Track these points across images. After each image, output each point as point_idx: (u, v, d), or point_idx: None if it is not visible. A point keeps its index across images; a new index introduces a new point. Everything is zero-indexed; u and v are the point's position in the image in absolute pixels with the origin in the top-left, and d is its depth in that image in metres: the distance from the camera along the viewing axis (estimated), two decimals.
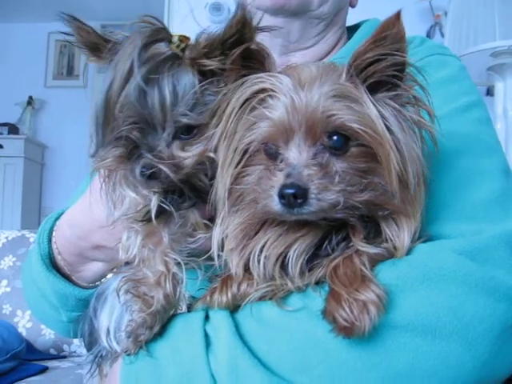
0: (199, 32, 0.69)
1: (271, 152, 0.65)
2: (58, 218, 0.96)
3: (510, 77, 2.13)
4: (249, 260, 0.67)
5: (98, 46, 0.71)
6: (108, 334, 0.81)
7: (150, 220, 0.71)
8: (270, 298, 0.67)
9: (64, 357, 2.31)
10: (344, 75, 0.63)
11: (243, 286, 0.68)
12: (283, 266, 0.66)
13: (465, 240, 0.67)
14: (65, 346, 2.32)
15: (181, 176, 0.68)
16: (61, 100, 5.84)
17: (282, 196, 0.60)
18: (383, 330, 0.61)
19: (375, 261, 0.65)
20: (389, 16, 0.60)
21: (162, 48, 0.66)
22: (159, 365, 0.68)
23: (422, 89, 0.65)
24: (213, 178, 0.70)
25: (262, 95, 0.65)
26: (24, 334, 2.22)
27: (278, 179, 0.61)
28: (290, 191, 0.59)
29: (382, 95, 0.63)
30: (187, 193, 0.70)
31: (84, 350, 0.91)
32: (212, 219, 0.73)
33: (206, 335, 0.67)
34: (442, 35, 2.89)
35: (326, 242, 0.65)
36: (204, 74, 0.69)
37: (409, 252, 0.66)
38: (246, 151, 0.67)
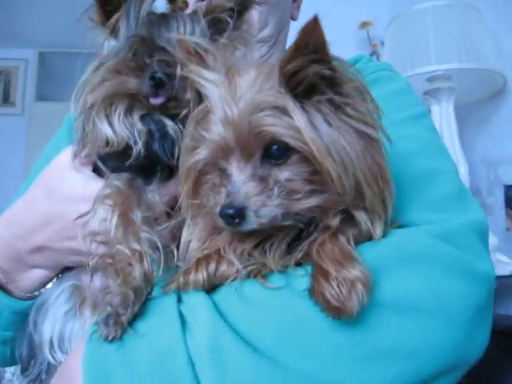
0: None
1: (220, 167, 0.66)
2: None
3: (446, 100, 2.21)
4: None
5: None
6: (52, 345, 0.77)
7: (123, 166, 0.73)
8: (255, 276, 0.66)
9: None
10: (278, 82, 0.63)
11: (223, 267, 0.67)
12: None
13: (436, 226, 0.71)
14: None
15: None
16: None
17: (221, 216, 0.62)
18: (367, 309, 0.60)
19: (358, 241, 0.66)
20: (307, 21, 0.58)
21: None
22: (129, 349, 0.62)
23: (359, 88, 0.66)
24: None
25: (203, 107, 0.67)
26: None
27: (221, 197, 0.63)
28: (227, 212, 0.61)
29: (316, 99, 0.63)
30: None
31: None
32: (173, 208, 0.74)
33: (181, 315, 0.64)
34: None
35: (305, 231, 0.66)
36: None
37: (385, 235, 0.67)
38: (193, 170, 0.69)
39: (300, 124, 0.61)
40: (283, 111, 0.61)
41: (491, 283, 0.68)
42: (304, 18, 1.24)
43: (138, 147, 0.71)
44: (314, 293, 0.60)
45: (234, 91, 0.64)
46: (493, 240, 1.92)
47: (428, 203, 0.76)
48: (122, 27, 0.72)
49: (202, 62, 0.68)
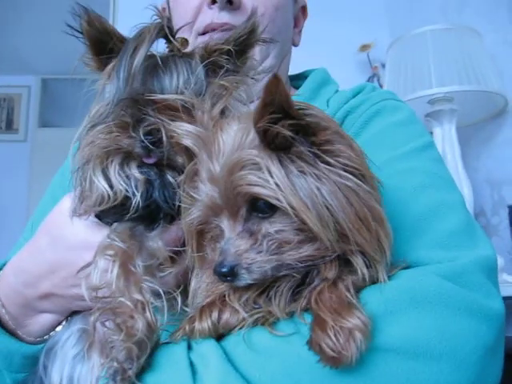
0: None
1: (214, 222, 0.68)
2: (0, 269, 0.89)
3: (447, 122, 2.22)
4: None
5: (105, 39, 0.75)
6: None
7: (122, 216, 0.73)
8: (261, 324, 0.66)
9: None
10: (252, 143, 0.63)
11: (225, 315, 0.66)
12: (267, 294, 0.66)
13: (444, 265, 0.70)
14: None
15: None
16: None
17: (215, 273, 0.63)
18: (376, 355, 0.60)
19: (361, 286, 0.65)
20: (269, 79, 0.58)
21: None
22: None
23: (339, 133, 0.65)
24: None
25: (193, 167, 0.68)
26: None
27: (216, 254, 0.65)
28: (220, 270, 0.62)
29: (294, 150, 0.62)
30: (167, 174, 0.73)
31: None
32: (177, 253, 0.74)
33: (191, 364, 0.64)
34: (380, 86, 3.01)
35: (309, 277, 0.65)
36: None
37: (393, 277, 0.67)
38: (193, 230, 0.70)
39: (277, 180, 0.60)
40: (261, 168, 0.61)
41: (500, 320, 0.68)
42: (304, 43, 1.26)
43: (137, 199, 0.71)
44: (311, 343, 0.60)
45: (217, 148, 0.64)
46: (498, 261, 1.91)
47: (436, 240, 0.75)
48: (112, 86, 0.72)
49: (191, 117, 0.69)
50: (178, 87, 0.72)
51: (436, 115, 2.23)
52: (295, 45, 1.24)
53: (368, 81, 3.13)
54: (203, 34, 1.06)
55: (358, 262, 0.64)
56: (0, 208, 5.63)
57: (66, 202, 0.80)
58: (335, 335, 0.57)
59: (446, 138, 2.23)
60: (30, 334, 0.86)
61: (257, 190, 0.61)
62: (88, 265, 0.72)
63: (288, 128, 0.60)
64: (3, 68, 5.53)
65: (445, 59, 2.17)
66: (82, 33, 0.74)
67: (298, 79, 1.21)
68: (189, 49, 0.80)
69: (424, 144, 0.91)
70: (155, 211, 0.73)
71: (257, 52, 1.03)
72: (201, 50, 0.78)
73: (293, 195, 0.60)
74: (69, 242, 0.77)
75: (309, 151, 0.62)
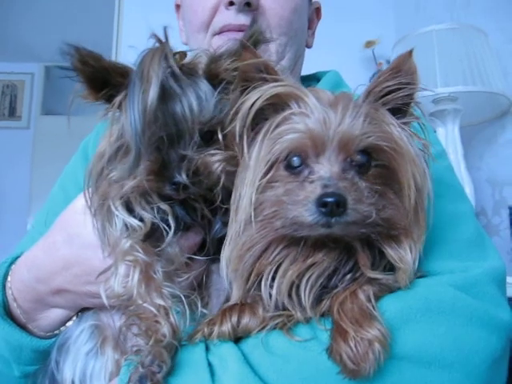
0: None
1: (293, 166, 0.67)
2: (12, 263, 0.91)
3: (451, 122, 2.22)
4: (252, 285, 0.69)
5: (101, 75, 0.70)
6: None
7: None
8: (280, 328, 0.68)
9: None
10: (361, 101, 0.68)
11: (245, 320, 0.68)
12: (292, 296, 0.68)
13: (457, 276, 0.73)
14: None
15: (210, 183, 0.70)
16: (2, 141, 5.68)
17: (323, 205, 0.61)
18: (390, 362, 0.62)
19: (378, 296, 0.67)
20: (402, 53, 0.68)
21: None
22: None
23: (418, 123, 0.73)
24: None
25: (285, 114, 0.68)
26: None
27: (313, 190, 0.63)
28: (332, 199, 0.61)
29: (397, 120, 0.69)
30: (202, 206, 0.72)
31: None
32: (191, 258, 0.75)
33: (210, 365, 0.66)
34: None
35: (336, 273, 0.67)
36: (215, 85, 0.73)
37: (409, 286, 0.69)
38: (272, 163, 0.68)
39: (396, 133, 0.67)
40: (379, 122, 0.67)
41: (509, 330, 0.70)
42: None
43: (171, 233, 0.72)
44: (331, 353, 0.62)
45: (322, 101, 0.68)
46: None
47: (449, 250, 0.77)
48: (127, 130, 0.67)
49: (276, 77, 0.70)
50: (191, 111, 0.69)
51: (440, 114, 2.23)
52: (308, 46, 1.25)
53: (372, 77, 3.12)
54: (219, 33, 1.06)
55: (395, 250, 0.67)
56: (2, 194, 5.63)
57: (81, 201, 0.81)
58: (355, 346, 0.60)
59: (449, 137, 2.23)
60: (41, 329, 0.88)
61: (378, 137, 0.66)
62: (107, 269, 0.73)
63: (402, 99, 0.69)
64: (6, 55, 5.52)
65: (450, 59, 2.17)
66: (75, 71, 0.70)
67: (309, 80, 1.22)
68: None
69: (438, 152, 0.93)
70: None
71: (273, 52, 1.04)
72: (205, 68, 0.74)
73: (408, 147, 0.67)
74: (84, 240, 0.78)
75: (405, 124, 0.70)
